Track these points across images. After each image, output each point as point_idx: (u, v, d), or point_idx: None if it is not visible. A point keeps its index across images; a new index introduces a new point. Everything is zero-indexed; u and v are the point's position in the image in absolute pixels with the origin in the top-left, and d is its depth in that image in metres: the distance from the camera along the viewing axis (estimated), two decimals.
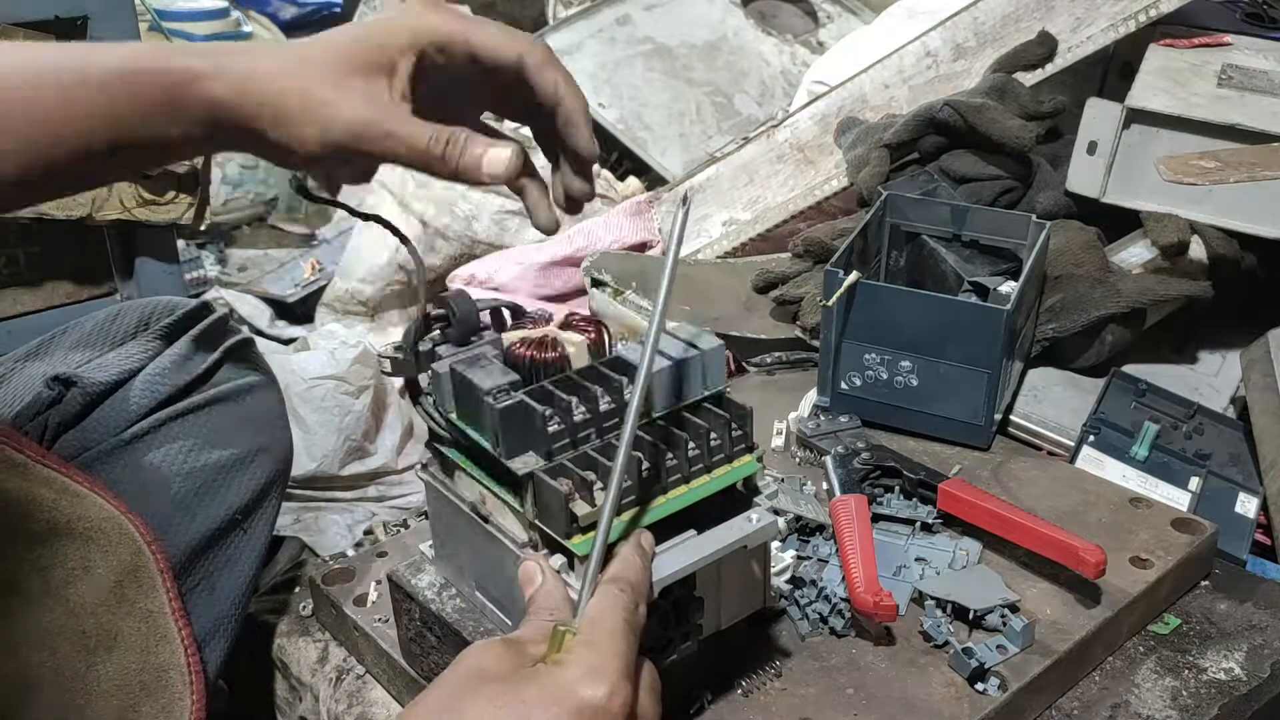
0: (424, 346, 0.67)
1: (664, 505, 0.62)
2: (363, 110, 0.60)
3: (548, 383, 0.62)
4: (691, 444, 0.63)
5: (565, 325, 0.66)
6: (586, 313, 0.67)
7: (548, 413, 0.60)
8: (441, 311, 0.67)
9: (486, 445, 0.63)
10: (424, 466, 0.71)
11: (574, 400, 0.61)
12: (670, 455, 0.62)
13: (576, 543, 0.59)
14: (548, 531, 0.61)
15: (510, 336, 0.65)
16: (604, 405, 0.61)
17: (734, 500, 0.66)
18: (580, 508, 0.59)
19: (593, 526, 0.60)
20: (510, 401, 0.60)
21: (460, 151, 0.62)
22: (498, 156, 0.62)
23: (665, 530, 0.63)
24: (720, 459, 0.65)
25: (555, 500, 0.59)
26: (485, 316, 0.69)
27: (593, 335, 0.66)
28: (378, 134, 0.61)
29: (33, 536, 0.64)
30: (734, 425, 0.65)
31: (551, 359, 0.64)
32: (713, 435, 0.64)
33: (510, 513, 0.64)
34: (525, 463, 0.61)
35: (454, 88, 0.66)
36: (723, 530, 0.64)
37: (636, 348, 0.63)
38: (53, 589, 0.63)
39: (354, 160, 0.63)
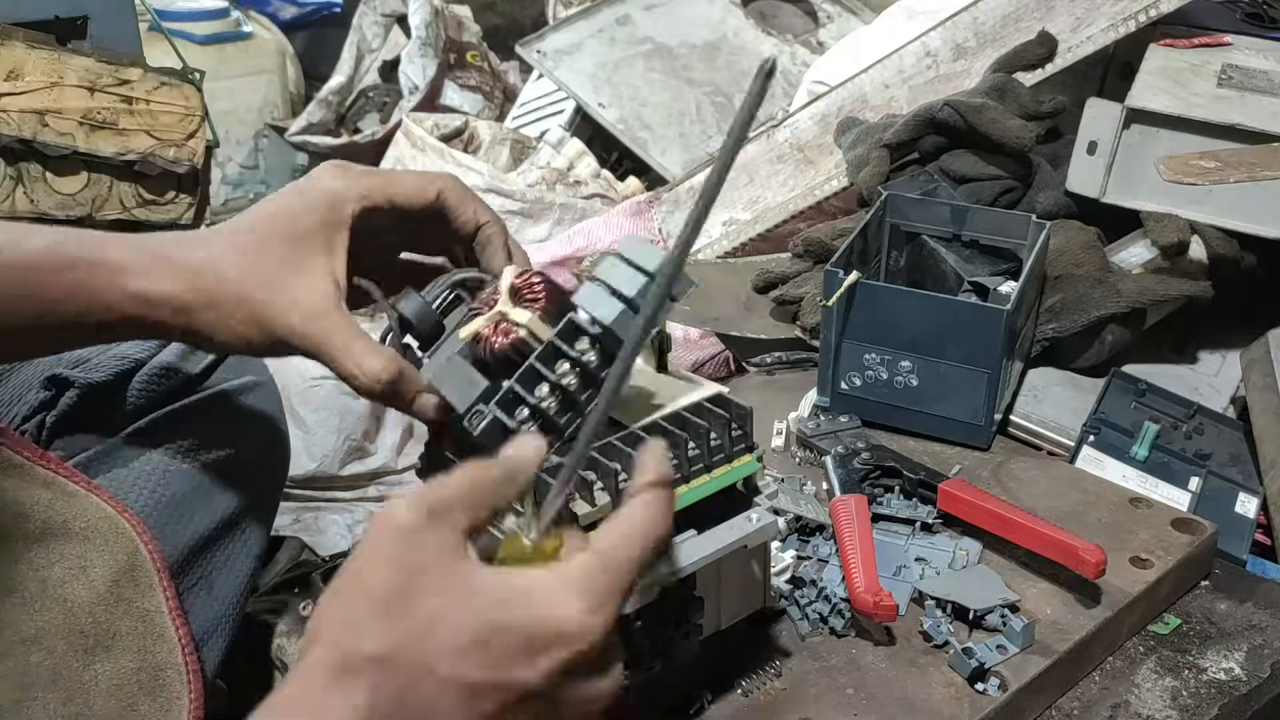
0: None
1: None
2: (305, 317, 0.62)
3: (516, 386, 0.60)
4: (691, 444, 0.63)
5: (515, 295, 0.64)
6: (535, 270, 0.66)
7: (523, 423, 0.59)
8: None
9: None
10: (423, 467, 0.71)
11: (544, 393, 0.59)
12: (671, 455, 0.62)
13: None
14: None
15: (466, 332, 0.64)
16: (573, 384, 0.59)
17: (734, 500, 0.66)
18: (580, 507, 0.59)
19: (593, 526, 0.60)
20: (485, 422, 0.60)
21: (393, 391, 0.63)
22: (427, 405, 0.64)
23: None
24: (720, 459, 0.65)
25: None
26: (452, 293, 0.68)
27: (542, 304, 0.63)
28: (315, 344, 0.62)
29: (29, 536, 0.64)
30: (734, 425, 0.65)
31: (509, 345, 0.62)
32: (713, 435, 0.64)
33: (511, 513, 0.64)
34: None
35: (374, 239, 0.67)
36: (723, 530, 0.64)
37: (589, 290, 0.60)
38: (49, 589, 0.64)
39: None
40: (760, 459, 0.67)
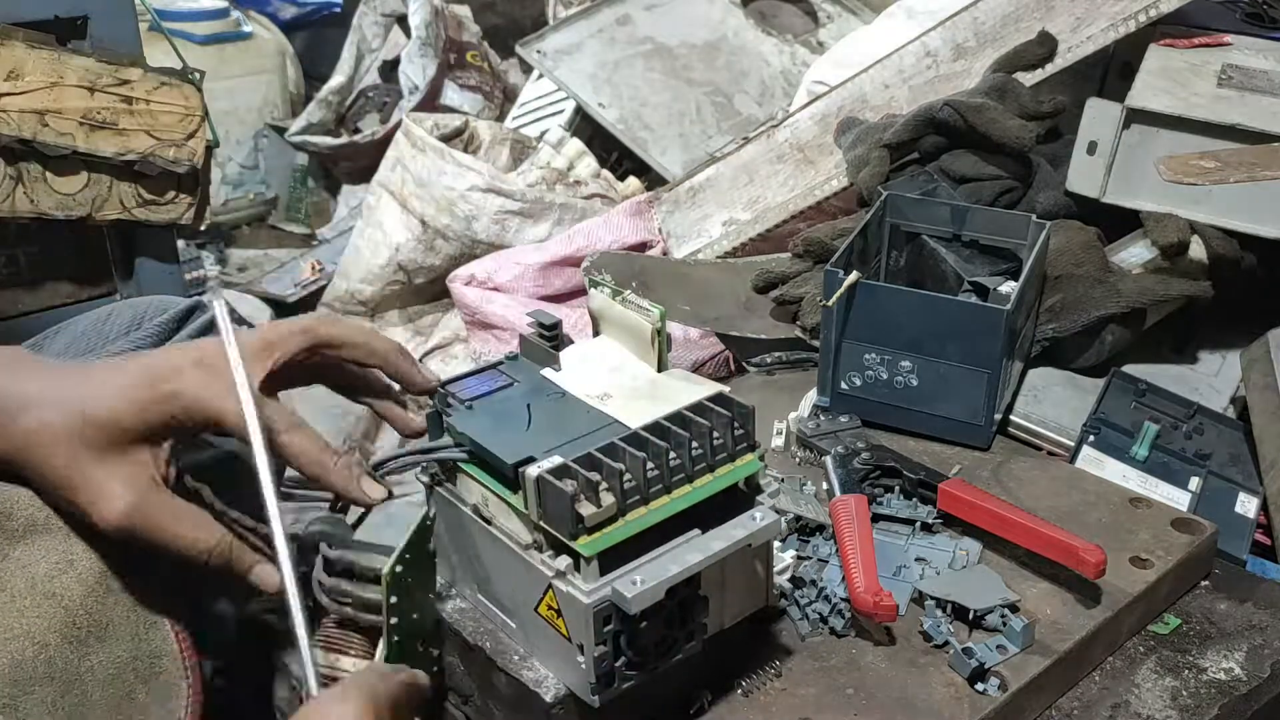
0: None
1: (669, 504, 0.62)
2: (132, 508, 0.62)
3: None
4: (694, 443, 0.63)
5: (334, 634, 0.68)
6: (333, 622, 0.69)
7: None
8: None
9: (489, 448, 0.63)
10: (423, 469, 0.71)
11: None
12: (674, 454, 0.62)
13: (582, 543, 0.59)
14: (553, 533, 0.61)
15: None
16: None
17: (736, 499, 0.66)
18: (586, 508, 0.59)
19: (599, 527, 0.60)
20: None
21: (226, 561, 0.65)
22: (269, 576, 0.65)
23: (668, 530, 0.63)
24: (723, 458, 0.65)
25: (561, 501, 0.59)
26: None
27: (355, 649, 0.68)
28: (146, 532, 0.63)
29: (13, 535, 0.64)
30: (736, 424, 0.65)
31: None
32: (715, 434, 0.64)
33: (514, 515, 0.64)
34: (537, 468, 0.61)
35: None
36: (727, 529, 0.64)
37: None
38: (38, 585, 0.64)
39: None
40: (762, 457, 0.67)
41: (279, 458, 0.65)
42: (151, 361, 0.65)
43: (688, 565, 0.61)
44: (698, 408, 0.65)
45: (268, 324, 0.69)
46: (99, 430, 0.62)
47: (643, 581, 0.59)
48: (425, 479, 0.71)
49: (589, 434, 0.65)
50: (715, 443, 0.64)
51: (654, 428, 0.63)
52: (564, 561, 0.61)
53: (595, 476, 0.60)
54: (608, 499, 0.60)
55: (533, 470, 0.60)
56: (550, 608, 0.63)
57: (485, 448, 0.64)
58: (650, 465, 0.61)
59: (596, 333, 0.75)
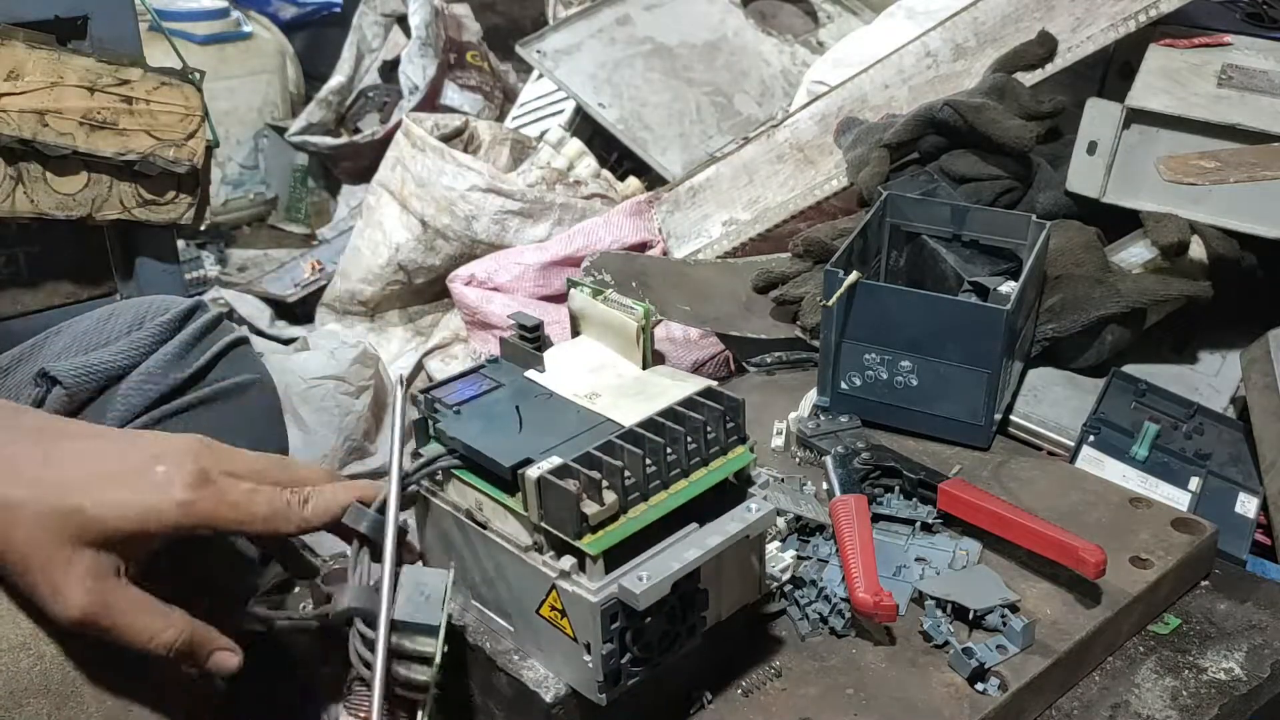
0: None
1: (668, 500, 0.62)
2: (90, 606, 0.59)
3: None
4: (689, 438, 0.63)
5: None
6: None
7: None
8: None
9: (484, 452, 0.63)
10: (417, 481, 0.70)
11: None
12: (670, 450, 0.62)
13: (587, 542, 0.59)
14: (555, 534, 0.61)
15: None
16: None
17: (727, 492, 0.66)
18: (590, 507, 0.59)
19: (602, 526, 0.60)
20: None
21: (187, 652, 0.62)
22: (226, 661, 0.64)
23: (665, 526, 0.63)
24: (716, 451, 0.65)
25: (565, 501, 0.59)
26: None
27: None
28: (106, 626, 0.60)
29: None
30: (727, 418, 0.65)
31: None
32: (708, 428, 0.64)
33: (511, 518, 0.64)
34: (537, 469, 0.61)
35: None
36: (724, 522, 0.64)
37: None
38: None
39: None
40: (752, 449, 0.67)
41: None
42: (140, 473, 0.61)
43: (691, 560, 0.61)
44: (689, 403, 0.65)
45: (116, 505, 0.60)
46: (72, 522, 0.59)
47: (649, 577, 0.59)
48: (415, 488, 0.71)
49: (582, 433, 0.65)
50: (709, 436, 0.64)
51: (649, 424, 0.64)
52: (568, 561, 0.61)
53: (596, 475, 0.60)
54: (610, 497, 0.60)
55: (533, 471, 0.60)
56: (554, 609, 0.63)
57: (480, 452, 0.64)
58: (648, 462, 0.61)
59: (576, 333, 0.75)
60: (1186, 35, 1.32)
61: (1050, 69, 1.35)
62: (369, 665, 0.61)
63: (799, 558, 0.79)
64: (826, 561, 0.79)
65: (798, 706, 0.68)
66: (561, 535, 0.60)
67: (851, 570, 0.73)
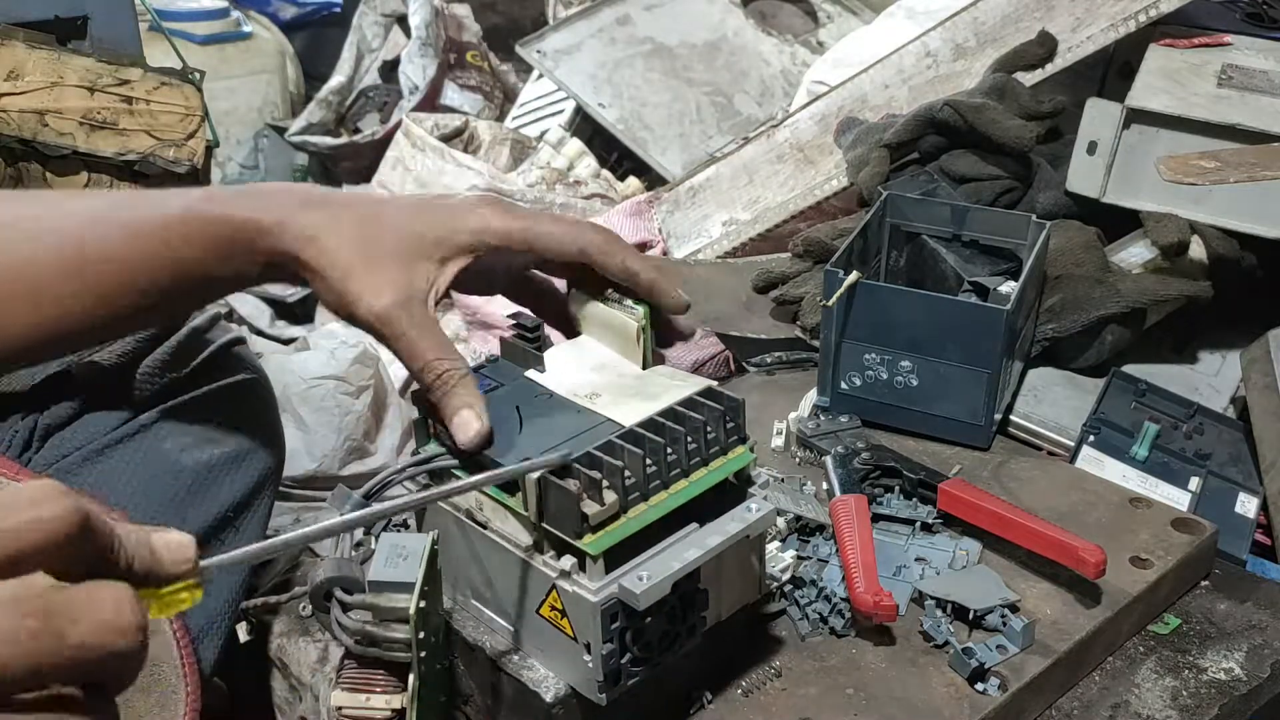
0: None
1: (669, 499, 0.62)
2: (389, 305, 0.64)
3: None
4: (689, 438, 0.63)
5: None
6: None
7: None
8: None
9: (486, 453, 0.63)
10: (411, 476, 0.70)
11: None
12: (670, 450, 0.62)
13: (588, 542, 0.59)
14: (555, 533, 0.61)
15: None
16: None
17: (727, 492, 0.66)
18: (590, 507, 0.59)
19: (602, 525, 0.60)
20: None
21: (440, 394, 0.64)
22: (467, 425, 0.64)
23: (665, 527, 0.63)
24: (716, 451, 0.65)
25: (566, 501, 0.59)
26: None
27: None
28: (393, 332, 0.64)
29: None
30: (727, 418, 0.65)
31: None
32: (708, 428, 0.64)
33: (511, 518, 0.64)
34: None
35: (499, 266, 0.71)
36: (724, 522, 0.64)
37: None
38: None
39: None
40: (752, 449, 0.67)
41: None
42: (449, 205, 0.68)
43: (691, 559, 0.61)
44: (690, 403, 0.65)
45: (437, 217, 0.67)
46: (391, 236, 0.65)
47: (649, 577, 0.59)
48: (415, 488, 0.70)
49: (583, 433, 0.65)
50: (709, 436, 0.64)
51: (650, 424, 0.64)
52: (568, 561, 0.61)
53: (596, 475, 0.60)
54: (610, 497, 0.60)
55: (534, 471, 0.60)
56: (554, 609, 0.63)
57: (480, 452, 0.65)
58: (649, 462, 0.61)
59: (575, 333, 0.75)
60: (1186, 35, 1.32)
61: (1050, 69, 1.35)
62: (350, 634, 0.63)
63: (799, 558, 0.79)
64: (826, 561, 0.79)
65: (798, 706, 0.68)
66: (561, 535, 0.60)
67: (851, 570, 0.73)
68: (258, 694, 0.88)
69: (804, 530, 0.83)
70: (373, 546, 0.65)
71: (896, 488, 0.87)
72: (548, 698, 0.65)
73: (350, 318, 0.65)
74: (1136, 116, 1.10)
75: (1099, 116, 1.10)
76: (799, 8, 2.19)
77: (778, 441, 0.95)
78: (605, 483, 0.60)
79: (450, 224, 0.66)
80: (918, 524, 0.83)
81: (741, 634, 0.72)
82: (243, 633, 0.91)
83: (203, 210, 0.65)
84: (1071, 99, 1.24)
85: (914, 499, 0.85)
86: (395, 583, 0.62)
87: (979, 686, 0.69)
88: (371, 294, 0.64)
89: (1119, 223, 1.13)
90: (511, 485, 0.63)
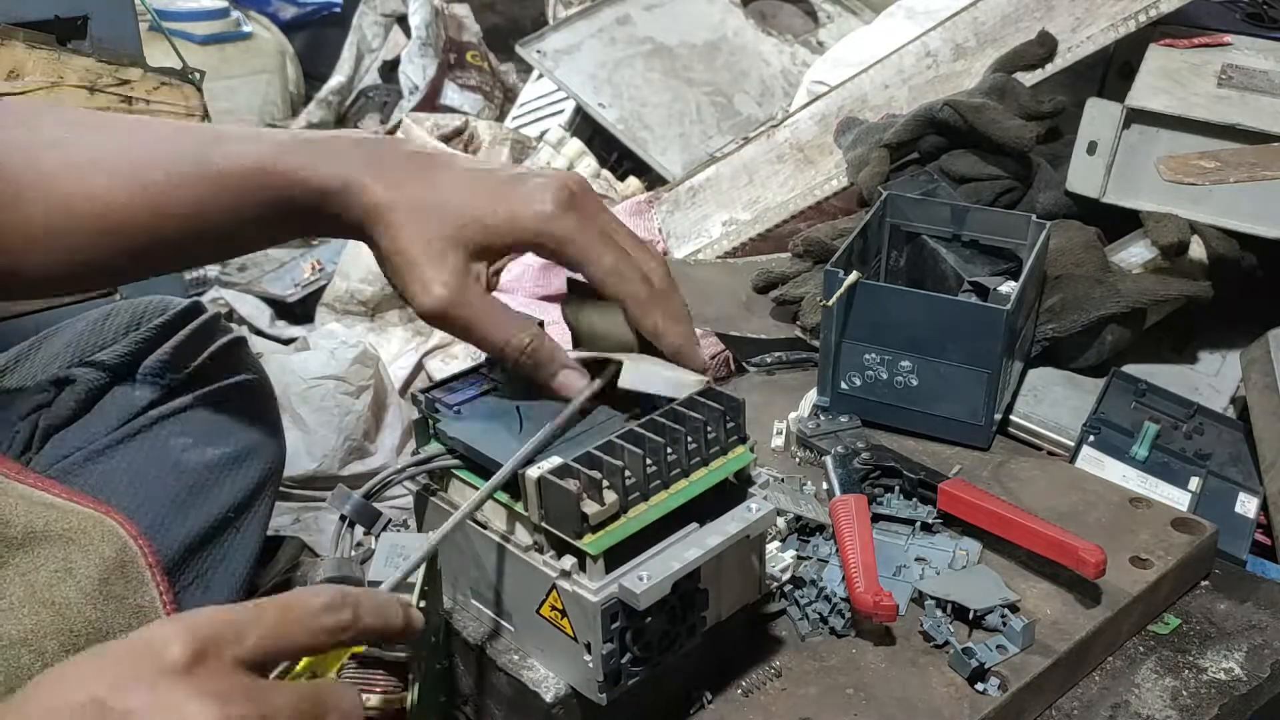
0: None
1: (669, 499, 0.62)
2: (445, 303, 0.63)
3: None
4: (689, 438, 0.63)
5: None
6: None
7: None
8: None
9: (486, 453, 0.63)
10: (411, 476, 0.70)
11: None
12: (670, 450, 0.62)
13: (588, 542, 0.59)
14: (556, 534, 0.61)
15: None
16: None
17: (727, 492, 0.66)
18: (590, 507, 0.59)
19: (602, 525, 0.60)
20: None
21: (534, 362, 0.65)
22: (572, 384, 0.64)
23: (665, 527, 0.63)
24: (716, 451, 0.65)
25: (566, 501, 0.59)
26: None
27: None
28: (454, 327, 0.64)
29: (11, 543, 0.64)
30: (727, 417, 0.65)
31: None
32: (708, 428, 0.64)
33: (512, 518, 0.64)
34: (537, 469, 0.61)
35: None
36: (724, 522, 0.64)
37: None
38: (37, 593, 0.64)
39: None
40: (752, 449, 0.67)
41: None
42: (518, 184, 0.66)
43: (691, 559, 0.61)
44: (689, 402, 0.65)
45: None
46: (453, 225, 0.64)
47: (649, 577, 0.59)
48: (415, 488, 0.71)
49: (583, 433, 0.65)
50: (709, 436, 0.64)
51: (650, 424, 0.64)
52: (568, 561, 0.61)
53: (596, 475, 0.60)
54: (610, 496, 0.60)
55: (533, 471, 0.60)
56: (554, 608, 0.63)
57: (480, 452, 0.65)
58: (649, 461, 0.62)
59: (576, 341, 0.74)
60: (1186, 35, 1.32)
61: (1050, 69, 1.35)
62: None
63: (799, 558, 0.79)
64: (826, 561, 0.79)
65: (798, 706, 0.68)
66: (561, 535, 0.60)
67: (851, 570, 0.73)
68: None
69: (804, 530, 0.83)
70: (373, 546, 0.65)
71: (896, 488, 0.87)
72: (548, 698, 0.65)
73: (416, 310, 0.65)
74: (1136, 116, 1.10)
75: (1099, 116, 1.10)
76: (799, 8, 2.19)
77: (778, 441, 0.95)
78: (605, 483, 0.60)
79: (515, 215, 0.64)
80: (918, 524, 0.83)
81: (741, 634, 0.72)
82: None
83: (279, 169, 0.65)
84: (1071, 99, 1.24)
85: (914, 499, 0.85)
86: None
87: (979, 686, 0.69)
88: (425, 292, 0.63)
89: (1119, 223, 1.13)
90: (512, 485, 0.63)
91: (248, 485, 0.83)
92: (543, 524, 0.61)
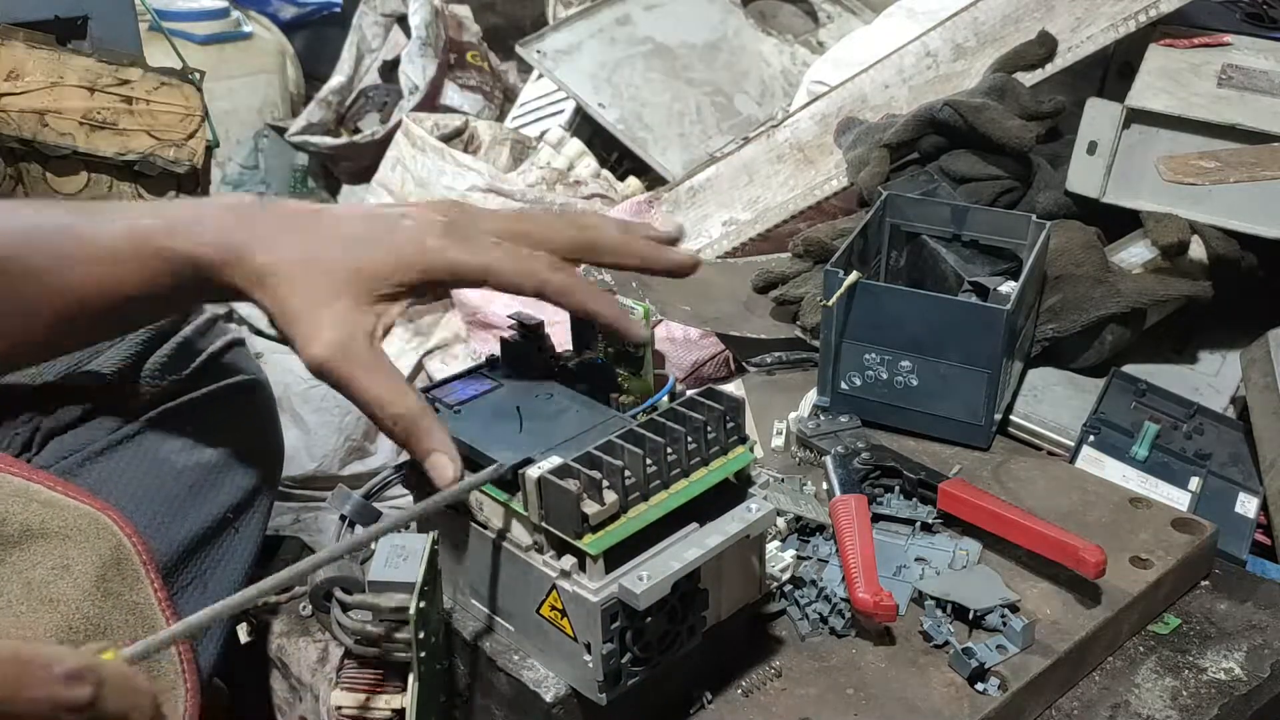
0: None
1: (669, 499, 0.63)
2: (326, 352, 0.62)
3: None
4: (689, 438, 0.63)
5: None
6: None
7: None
8: None
9: (484, 452, 0.63)
10: (408, 476, 0.70)
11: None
12: (670, 450, 0.62)
13: (588, 542, 0.59)
14: (555, 533, 0.61)
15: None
16: None
17: (727, 491, 0.66)
18: (590, 507, 0.59)
19: (602, 525, 0.60)
20: None
21: (402, 440, 0.63)
22: (442, 469, 0.62)
23: (665, 527, 0.63)
24: (716, 451, 0.65)
25: (566, 501, 0.59)
26: None
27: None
28: (336, 381, 0.62)
29: (8, 541, 0.64)
30: (727, 417, 0.65)
31: None
32: (708, 428, 0.64)
33: (511, 518, 0.64)
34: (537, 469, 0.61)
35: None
36: (724, 522, 0.64)
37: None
38: (35, 590, 0.64)
39: None
40: (751, 449, 0.67)
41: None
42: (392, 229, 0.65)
43: (692, 560, 0.61)
44: (690, 402, 0.65)
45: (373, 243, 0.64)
46: (335, 276, 0.63)
47: (649, 577, 0.59)
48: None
49: (583, 433, 0.65)
50: (709, 436, 0.64)
51: (650, 424, 0.64)
52: (568, 561, 0.61)
53: (596, 475, 0.60)
54: (610, 496, 0.60)
55: (533, 471, 0.60)
56: (554, 608, 0.63)
57: (480, 451, 0.65)
58: (649, 461, 0.62)
59: (575, 334, 0.75)
60: (1186, 35, 1.32)
61: (1050, 69, 1.35)
62: (350, 634, 0.63)
63: (799, 558, 0.79)
64: (826, 561, 0.79)
65: (798, 706, 0.68)
66: (562, 535, 0.60)
67: (851, 570, 0.73)
68: (258, 694, 0.88)
69: (804, 530, 0.83)
70: (373, 546, 0.65)
71: (896, 488, 0.87)
72: (548, 698, 0.65)
73: (303, 360, 0.63)
74: (1136, 116, 1.10)
75: (1099, 116, 1.10)
76: (799, 8, 2.19)
77: (778, 441, 0.95)
78: (605, 483, 0.60)
79: (397, 256, 0.63)
80: (918, 524, 0.83)
81: (741, 634, 0.72)
82: (243, 633, 0.91)
83: (155, 243, 0.64)
84: (1071, 99, 1.24)
85: (914, 499, 0.85)
86: (395, 583, 0.62)
87: (979, 686, 0.69)
88: (304, 348, 0.62)
89: (1119, 223, 1.13)
90: (511, 485, 0.63)
91: (247, 486, 0.83)
92: (543, 524, 0.61)
